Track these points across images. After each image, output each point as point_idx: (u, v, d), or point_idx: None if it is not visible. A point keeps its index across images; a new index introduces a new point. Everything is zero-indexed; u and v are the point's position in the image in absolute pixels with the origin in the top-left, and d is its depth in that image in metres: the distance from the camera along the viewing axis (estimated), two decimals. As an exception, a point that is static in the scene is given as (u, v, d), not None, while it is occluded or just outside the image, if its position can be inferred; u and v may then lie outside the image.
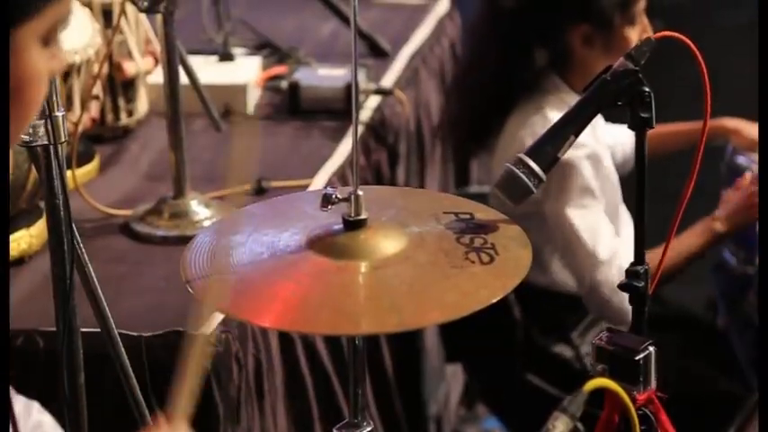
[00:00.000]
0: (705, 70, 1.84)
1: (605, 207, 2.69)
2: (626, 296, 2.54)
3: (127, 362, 2.00)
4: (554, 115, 2.57)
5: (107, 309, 1.97)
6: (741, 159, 3.12)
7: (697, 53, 1.83)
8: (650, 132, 1.84)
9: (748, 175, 2.81)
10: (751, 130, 3.02)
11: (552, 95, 2.70)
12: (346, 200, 1.72)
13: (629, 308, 2.52)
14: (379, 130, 3.02)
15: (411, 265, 1.69)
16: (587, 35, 2.69)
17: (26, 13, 1.21)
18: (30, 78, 1.25)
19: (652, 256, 1.91)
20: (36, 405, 1.56)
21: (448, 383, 3.44)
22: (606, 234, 2.66)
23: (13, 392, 1.52)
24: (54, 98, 1.81)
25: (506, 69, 2.78)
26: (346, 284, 1.66)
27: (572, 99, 2.25)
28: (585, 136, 2.63)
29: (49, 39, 1.25)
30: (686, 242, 2.68)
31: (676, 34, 1.85)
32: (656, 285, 2.65)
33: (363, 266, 1.68)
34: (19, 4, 1.21)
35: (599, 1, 2.67)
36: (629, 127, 1.85)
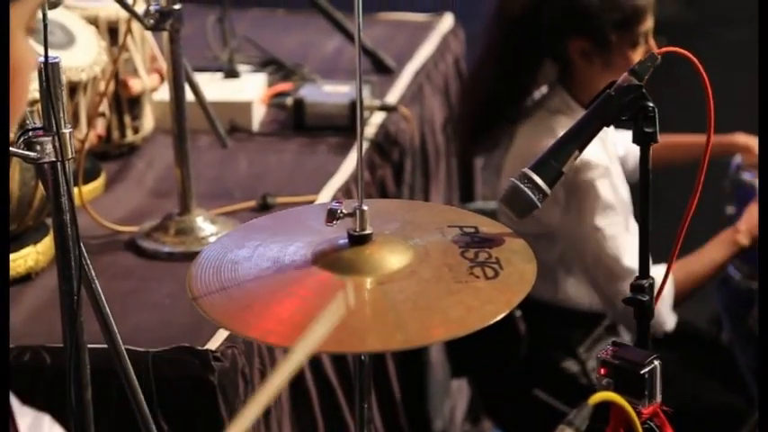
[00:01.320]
0: (708, 85, 1.84)
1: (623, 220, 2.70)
2: (661, 302, 2.55)
3: (134, 377, 2.00)
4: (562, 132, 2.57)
5: (114, 325, 1.97)
6: (746, 175, 3.12)
7: (700, 68, 1.83)
8: (661, 142, 1.84)
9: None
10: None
11: (562, 114, 2.70)
12: (351, 215, 1.72)
13: (666, 318, 2.54)
14: (383, 146, 3.02)
15: (416, 281, 1.68)
16: (585, 50, 2.68)
17: None
18: (20, 67, 1.24)
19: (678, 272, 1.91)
20: (47, 419, 1.54)
21: (453, 398, 3.44)
22: (630, 246, 2.66)
23: (19, 406, 1.51)
24: (61, 115, 1.81)
25: (510, 76, 2.78)
26: (353, 301, 1.66)
27: (580, 115, 2.25)
28: (599, 154, 2.65)
29: (30, 27, 1.24)
30: (710, 255, 2.69)
31: (680, 49, 1.85)
32: (683, 300, 2.68)
33: (368, 282, 1.68)
34: None
35: (595, 18, 2.66)
36: (634, 141, 1.85)
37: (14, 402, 1.52)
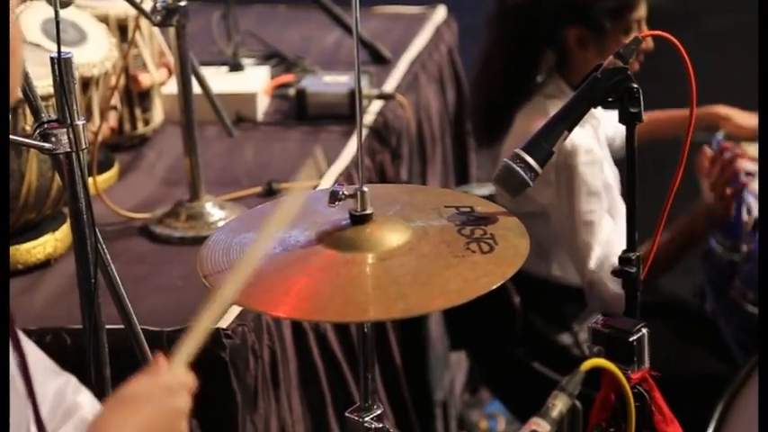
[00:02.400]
0: (690, 66, 1.84)
1: (607, 205, 2.70)
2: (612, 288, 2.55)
3: (150, 356, 2.01)
4: None
5: (130, 306, 1.97)
6: (726, 154, 3.11)
7: (681, 49, 1.83)
8: (646, 118, 1.84)
9: (708, 151, 2.80)
10: (741, 117, 3.02)
11: (557, 98, 2.69)
12: (353, 196, 1.73)
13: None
14: (382, 132, 3.02)
15: (415, 256, 1.69)
16: (581, 37, 2.68)
17: None
18: (18, 42, 1.23)
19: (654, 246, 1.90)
20: (73, 382, 1.54)
21: (452, 370, 3.45)
22: (604, 234, 2.66)
23: (45, 376, 1.51)
24: (75, 108, 1.82)
25: (513, 64, 2.78)
26: (354, 275, 1.66)
27: None
28: (591, 141, 2.65)
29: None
30: (685, 226, 2.69)
31: (663, 33, 1.85)
32: (665, 270, 2.67)
33: (370, 258, 1.68)
34: None
35: (591, 6, 2.67)
36: (620, 121, 1.85)
37: (47, 366, 1.52)
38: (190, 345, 1.34)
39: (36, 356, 1.47)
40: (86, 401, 1.52)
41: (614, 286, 2.60)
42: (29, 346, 1.43)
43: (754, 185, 2.94)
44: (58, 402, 1.49)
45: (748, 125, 3.01)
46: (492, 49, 2.84)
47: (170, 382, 1.32)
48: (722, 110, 3.02)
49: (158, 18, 2.38)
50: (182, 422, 1.32)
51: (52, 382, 1.51)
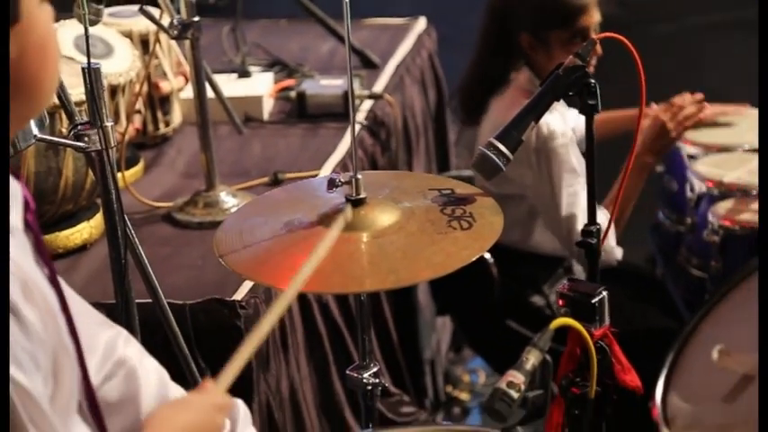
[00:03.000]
0: (640, 63, 1.83)
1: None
2: (611, 248, 2.54)
3: (175, 325, 2.00)
4: None
5: (156, 283, 1.97)
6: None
7: (632, 48, 1.82)
8: (600, 119, 1.84)
9: (654, 105, 2.78)
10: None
11: (527, 91, 2.67)
12: (348, 183, 1.72)
13: (615, 254, 2.53)
14: (372, 127, 3.00)
15: (404, 234, 1.68)
16: (530, 43, 2.66)
17: None
18: (49, 36, 1.20)
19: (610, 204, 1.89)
20: (123, 334, 1.53)
21: (439, 333, 3.44)
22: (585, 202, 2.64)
23: (96, 328, 1.49)
24: (103, 111, 1.80)
25: (488, 57, 2.76)
26: (351, 252, 1.65)
27: None
28: (563, 126, 2.63)
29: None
30: (629, 183, 2.66)
31: (616, 35, 1.84)
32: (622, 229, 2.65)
33: (365, 236, 1.68)
34: None
35: (534, 17, 2.64)
36: (580, 112, 1.84)
37: (99, 320, 1.50)
38: (231, 373, 1.39)
39: (85, 309, 1.45)
40: (135, 354, 1.51)
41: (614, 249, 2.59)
42: (80, 305, 1.42)
43: (696, 166, 2.94)
44: (108, 353, 1.48)
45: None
46: (477, 44, 2.84)
47: (215, 401, 1.39)
48: (653, 112, 2.92)
49: (175, 32, 2.37)
50: None
51: (103, 334, 1.49)
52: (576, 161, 2.62)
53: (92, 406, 1.32)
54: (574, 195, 2.61)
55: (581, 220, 2.61)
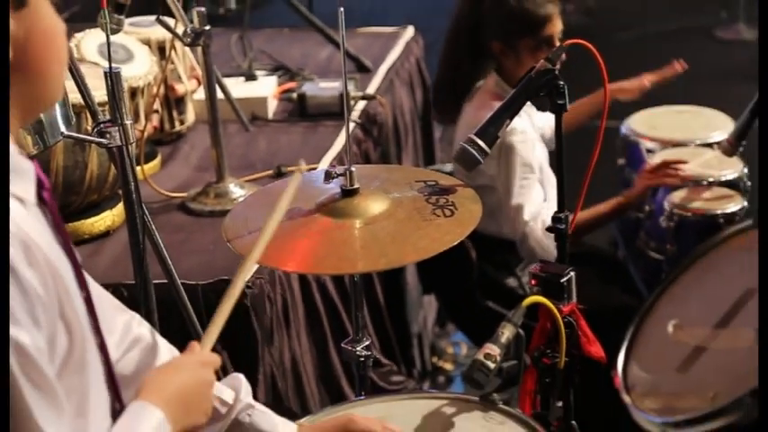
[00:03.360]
0: (603, 65, 1.83)
1: (539, 176, 2.69)
2: (548, 245, 2.55)
3: (188, 304, 2.00)
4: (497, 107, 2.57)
5: (171, 266, 1.96)
6: (631, 136, 3.12)
7: (596, 54, 1.82)
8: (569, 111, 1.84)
9: (646, 166, 2.80)
10: (630, 84, 3.00)
11: (496, 94, 2.66)
12: (343, 174, 1.71)
13: (551, 251, 2.53)
14: (366, 125, 2.99)
15: (393, 221, 1.68)
16: (501, 49, 2.65)
17: None
18: (53, 32, 1.20)
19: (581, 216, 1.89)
20: (137, 318, 1.54)
21: (425, 309, 3.44)
22: (535, 200, 2.65)
23: (114, 311, 1.50)
24: (124, 111, 1.80)
25: (459, 64, 2.76)
26: (346, 237, 1.65)
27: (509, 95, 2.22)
28: (525, 125, 2.63)
29: (53, 1, 1.20)
30: (602, 209, 2.68)
31: (581, 41, 1.83)
32: (581, 235, 2.67)
33: (358, 223, 1.67)
34: None
35: (503, 26, 2.63)
36: (550, 111, 1.83)
37: (116, 304, 1.51)
38: (214, 333, 1.38)
39: (104, 294, 1.46)
40: (148, 333, 1.52)
41: (543, 237, 2.60)
42: (98, 289, 1.42)
43: (654, 159, 2.94)
44: (125, 333, 1.49)
45: (631, 87, 3.00)
46: (445, 50, 2.83)
47: (202, 358, 1.38)
48: (614, 86, 2.95)
49: (189, 40, 2.36)
50: (209, 389, 1.38)
51: (120, 317, 1.50)
52: (534, 158, 2.63)
53: (109, 377, 1.31)
54: (525, 187, 2.62)
55: (527, 211, 2.63)
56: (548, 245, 2.54)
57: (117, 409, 1.32)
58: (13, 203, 1.16)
